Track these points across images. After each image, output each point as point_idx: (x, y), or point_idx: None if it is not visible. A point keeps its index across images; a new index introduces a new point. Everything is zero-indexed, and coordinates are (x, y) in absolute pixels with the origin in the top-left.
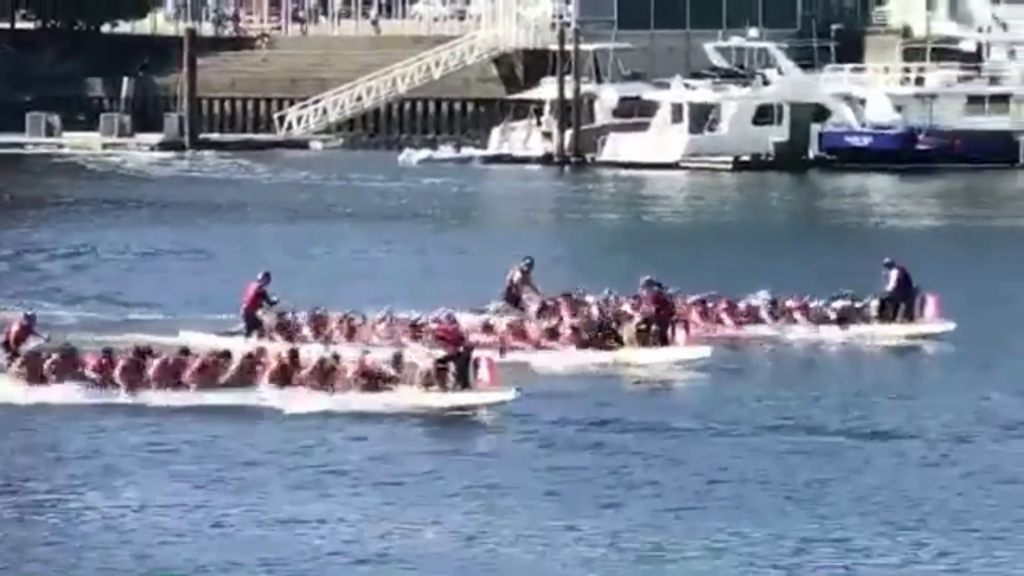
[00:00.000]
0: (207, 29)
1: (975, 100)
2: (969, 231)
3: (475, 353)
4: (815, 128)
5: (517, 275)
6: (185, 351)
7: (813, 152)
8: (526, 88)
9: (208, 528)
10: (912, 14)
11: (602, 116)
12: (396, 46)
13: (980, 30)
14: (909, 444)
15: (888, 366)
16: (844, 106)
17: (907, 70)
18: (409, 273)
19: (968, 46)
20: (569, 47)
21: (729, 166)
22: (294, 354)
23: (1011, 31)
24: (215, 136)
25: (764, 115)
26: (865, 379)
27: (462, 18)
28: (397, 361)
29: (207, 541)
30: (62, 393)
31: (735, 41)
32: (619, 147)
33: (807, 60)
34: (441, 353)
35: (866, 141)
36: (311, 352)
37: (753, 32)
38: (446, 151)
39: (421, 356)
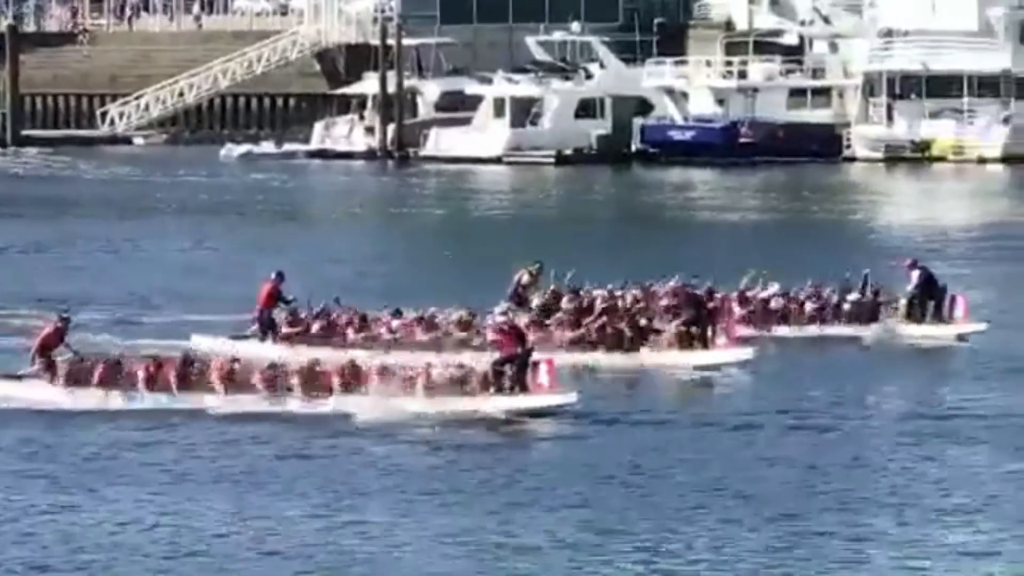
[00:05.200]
0: (28, 24)
1: (797, 93)
2: (789, 224)
3: (535, 356)
4: (637, 122)
5: (526, 277)
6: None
7: (636, 145)
8: (348, 83)
9: (245, 536)
10: (734, 7)
11: (424, 111)
12: (218, 41)
13: (802, 23)
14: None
15: (916, 366)
16: (667, 100)
17: (729, 63)
18: (234, 270)
19: (790, 39)
20: (391, 42)
21: (552, 160)
22: (354, 362)
23: (833, 24)
24: (37, 132)
25: (586, 109)
26: (894, 379)
27: (284, 13)
28: (460, 367)
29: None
30: (105, 399)
31: (557, 35)
32: (442, 142)
33: (629, 54)
34: (499, 355)
35: (688, 134)
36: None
37: (575, 26)
38: (267, 146)
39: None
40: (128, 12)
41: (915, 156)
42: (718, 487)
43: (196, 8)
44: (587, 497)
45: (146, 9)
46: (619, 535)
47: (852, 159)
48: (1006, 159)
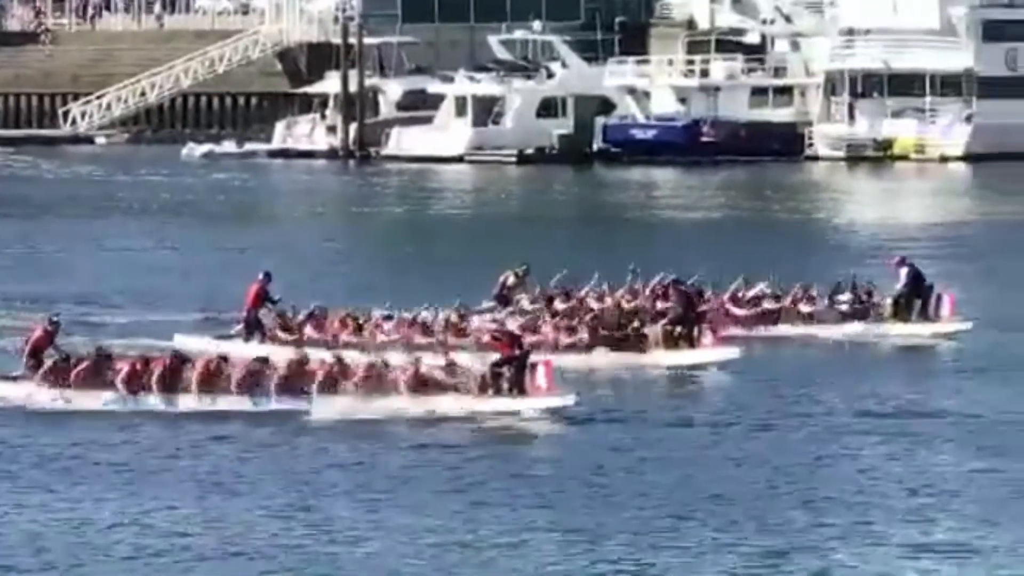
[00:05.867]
0: None
1: (759, 92)
2: (751, 223)
3: (533, 357)
4: (599, 121)
5: (511, 279)
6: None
7: (597, 145)
8: (310, 82)
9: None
10: (696, 6)
11: (386, 110)
12: (180, 41)
13: (764, 22)
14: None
15: (903, 365)
16: (628, 99)
17: (691, 62)
18: (196, 269)
19: (752, 38)
20: (353, 41)
21: (513, 159)
22: (341, 360)
23: (794, 23)
24: None
25: (548, 108)
26: (878, 379)
27: (246, 12)
28: (451, 367)
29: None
30: (93, 399)
31: (519, 34)
32: (403, 141)
33: (591, 53)
34: (496, 356)
35: (650, 133)
36: (328, 356)
37: (537, 25)
38: (229, 146)
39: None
40: (90, 11)
41: (877, 155)
42: (687, 487)
43: (158, 7)
44: (555, 496)
45: (108, 8)
46: (584, 533)
47: (814, 158)
48: (968, 158)
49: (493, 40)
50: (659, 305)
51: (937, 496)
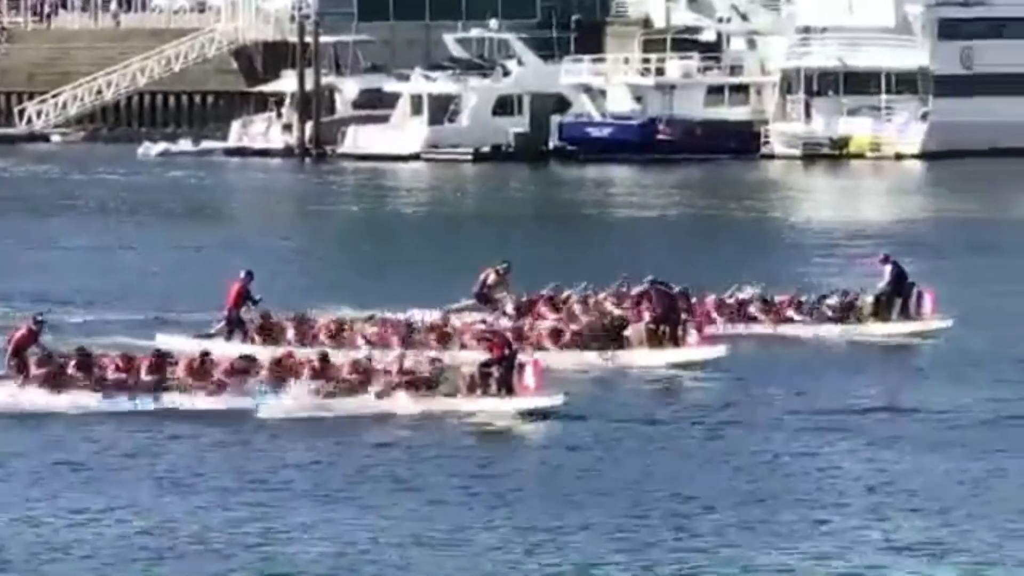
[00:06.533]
0: None
1: (715, 90)
2: (707, 221)
3: (521, 358)
4: (555, 119)
5: (492, 277)
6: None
7: (553, 143)
8: (266, 81)
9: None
10: (652, 5)
11: (342, 108)
12: (136, 39)
13: (720, 20)
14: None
15: (884, 364)
16: (584, 97)
17: (647, 61)
18: (152, 268)
19: (708, 36)
20: (309, 39)
21: (469, 157)
22: (324, 358)
23: (750, 21)
24: None
25: (504, 106)
26: (863, 378)
27: (202, 11)
28: (437, 365)
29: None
30: (77, 399)
31: (475, 32)
32: (359, 139)
33: (547, 51)
34: (485, 356)
35: (606, 132)
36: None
37: (493, 23)
38: (185, 144)
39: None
40: (46, 9)
41: (833, 153)
42: (670, 486)
43: (114, 6)
44: (525, 496)
45: (64, 7)
46: (549, 532)
47: (770, 156)
48: (923, 156)
49: (449, 38)
50: (643, 312)
51: (920, 495)
